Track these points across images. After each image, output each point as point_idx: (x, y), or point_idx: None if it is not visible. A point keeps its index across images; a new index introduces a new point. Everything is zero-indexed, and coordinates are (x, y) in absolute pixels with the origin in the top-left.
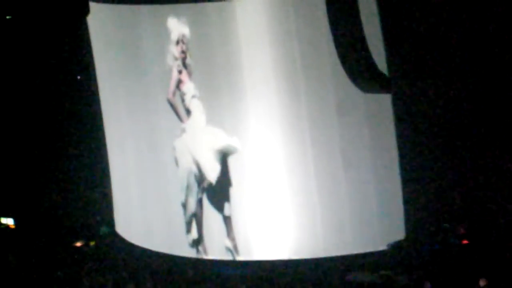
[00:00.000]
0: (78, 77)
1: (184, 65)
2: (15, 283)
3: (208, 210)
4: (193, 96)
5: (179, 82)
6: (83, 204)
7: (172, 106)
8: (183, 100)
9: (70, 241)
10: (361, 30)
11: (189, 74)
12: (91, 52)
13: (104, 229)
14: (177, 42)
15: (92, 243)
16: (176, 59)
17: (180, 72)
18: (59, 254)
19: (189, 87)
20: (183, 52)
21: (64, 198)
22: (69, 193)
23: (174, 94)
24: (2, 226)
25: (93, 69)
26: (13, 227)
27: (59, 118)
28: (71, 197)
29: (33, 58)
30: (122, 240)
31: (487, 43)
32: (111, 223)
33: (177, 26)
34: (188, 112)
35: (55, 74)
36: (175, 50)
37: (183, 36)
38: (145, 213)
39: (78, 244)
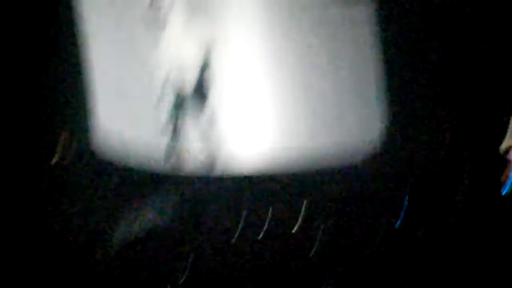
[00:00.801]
0: None
1: None
2: None
3: (194, 104)
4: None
5: None
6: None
7: (151, 8)
8: (161, 3)
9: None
10: None
11: None
12: None
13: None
14: None
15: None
16: None
17: None
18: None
19: None
20: None
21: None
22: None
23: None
24: None
25: None
26: None
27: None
28: (46, 112)
29: None
30: (99, 156)
31: None
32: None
33: None
34: (167, 14)
35: None
36: None
37: None
38: (123, 126)
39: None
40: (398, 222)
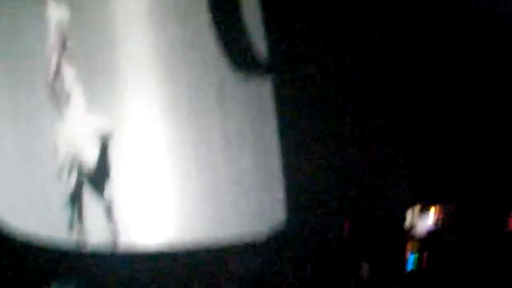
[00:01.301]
0: None
1: (64, 48)
2: None
3: (89, 195)
4: (73, 81)
5: (59, 67)
6: None
7: (52, 90)
8: (63, 86)
9: None
10: (240, 13)
11: (69, 58)
12: None
13: None
14: (57, 24)
15: None
16: (55, 42)
17: (59, 55)
18: None
19: (69, 72)
20: (62, 35)
21: None
22: None
23: (54, 78)
24: None
25: None
26: None
27: None
28: None
29: None
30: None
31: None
32: None
33: (56, 10)
34: (68, 97)
35: None
36: (54, 34)
37: (62, 20)
38: (23, 200)
39: None
40: None
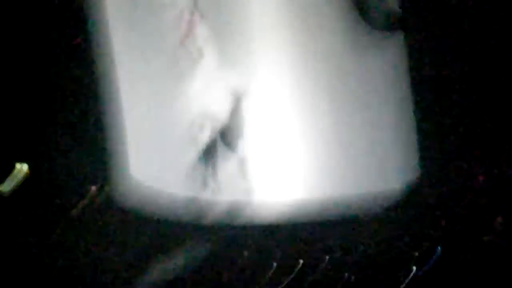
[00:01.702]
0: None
1: (196, 6)
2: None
3: (223, 152)
4: (205, 38)
5: (191, 25)
6: (96, 150)
7: (184, 49)
8: (195, 43)
9: (84, 185)
10: None
11: (201, 16)
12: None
13: (117, 176)
14: None
15: (107, 188)
16: (187, 1)
17: (191, 14)
18: (73, 197)
19: (201, 29)
20: None
21: (76, 143)
22: (82, 141)
23: (186, 37)
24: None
25: (103, 16)
26: (28, 172)
27: (66, 61)
28: (84, 144)
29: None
30: (136, 187)
31: None
32: (124, 170)
33: None
34: (200, 54)
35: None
36: None
37: None
38: (158, 158)
39: (93, 188)
40: (426, 267)
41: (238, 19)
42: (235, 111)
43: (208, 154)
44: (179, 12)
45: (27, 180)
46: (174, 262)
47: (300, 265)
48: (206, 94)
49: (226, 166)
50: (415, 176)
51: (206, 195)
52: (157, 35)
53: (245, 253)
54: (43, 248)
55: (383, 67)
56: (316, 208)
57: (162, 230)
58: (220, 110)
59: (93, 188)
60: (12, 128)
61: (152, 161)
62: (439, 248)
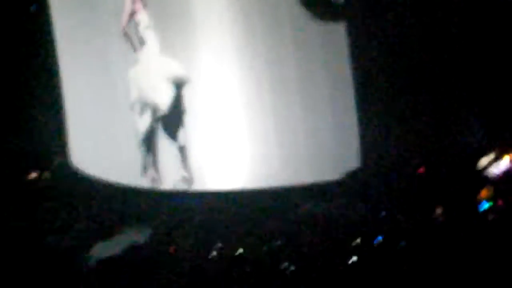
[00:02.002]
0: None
1: None
2: None
3: (163, 140)
4: (147, 26)
5: (133, 12)
6: (36, 134)
7: (126, 36)
8: (137, 30)
9: (23, 172)
10: None
11: (144, 3)
12: None
13: (57, 161)
14: None
15: (46, 174)
16: None
17: (133, 1)
18: (12, 186)
19: (143, 17)
20: None
21: (17, 127)
22: (21, 124)
23: (127, 23)
24: None
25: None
26: None
27: (13, 47)
28: (23, 126)
29: None
30: (76, 172)
31: None
32: (64, 154)
33: None
34: (141, 42)
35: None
36: None
37: None
38: (99, 143)
39: (33, 175)
40: (378, 239)
41: (180, 8)
42: (175, 99)
43: (148, 142)
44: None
45: None
46: (115, 244)
47: (239, 253)
48: (146, 81)
49: (166, 154)
50: (355, 165)
51: (145, 183)
52: (99, 21)
53: (185, 240)
54: None
55: (324, 57)
56: (256, 197)
57: (102, 216)
58: (160, 97)
59: (34, 174)
60: None
61: (92, 148)
62: (379, 237)
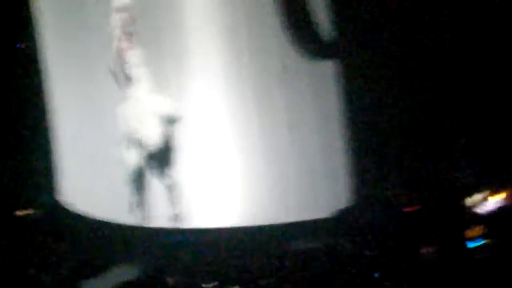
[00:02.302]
0: (18, 46)
1: (126, 32)
2: None
3: (151, 177)
4: (135, 64)
5: (121, 50)
6: (24, 171)
7: (114, 74)
8: (124, 68)
9: (11, 209)
10: None
11: (131, 41)
12: (33, 18)
13: (45, 198)
14: (118, 10)
15: (34, 212)
16: (117, 26)
17: (121, 39)
18: (0, 222)
19: (131, 55)
20: (124, 19)
21: (4, 165)
22: (9, 160)
23: (115, 61)
24: None
25: (36, 36)
26: None
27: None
28: (11, 164)
29: None
30: (65, 209)
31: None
32: (53, 190)
33: None
34: (129, 79)
35: None
36: (117, 18)
37: (125, 3)
38: (87, 181)
39: (20, 213)
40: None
41: (171, 45)
42: (165, 136)
43: (137, 179)
44: (108, 37)
45: None
46: (105, 281)
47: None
48: (135, 118)
49: (155, 192)
50: (345, 203)
51: (134, 220)
52: (88, 58)
53: (172, 278)
54: None
55: (314, 93)
56: (246, 234)
57: (89, 253)
58: (149, 135)
59: (23, 211)
60: None
61: (81, 185)
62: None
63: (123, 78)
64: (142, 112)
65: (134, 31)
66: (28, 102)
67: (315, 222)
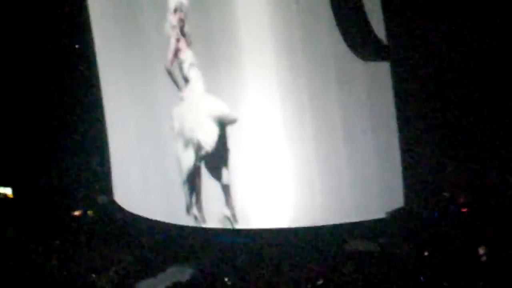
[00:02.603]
0: (76, 46)
1: (182, 33)
2: (13, 252)
3: (206, 178)
4: (192, 64)
5: (177, 51)
6: (81, 173)
7: (170, 74)
8: (181, 69)
9: (68, 210)
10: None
11: (188, 42)
12: (89, 21)
13: (102, 198)
14: (175, 10)
15: (90, 212)
16: (174, 27)
17: (178, 40)
18: (57, 223)
19: (187, 55)
20: (181, 20)
21: (62, 167)
22: (68, 162)
23: (172, 62)
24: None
25: (91, 39)
26: (11, 196)
27: (57, 88)
28: (69, 166)
29: (31, 28)
30: (120, 209)
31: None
32: (109, 192)
33: None
34: (186, 80)
35: (53, 44)
36: (173, 18)
37: (181, 3)
38: (143, 182)
39: (76, 213)
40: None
41: (226, 47)
42: (220, 138)
43: (192, 181)
44: (166, 38)
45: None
46: (158, 282)
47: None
48: (190, 120)
49: (210, 193)
50: (399, 205)
51: (189, 221)
52: (144, 59)
53: (228, 279)
54: None
55: (369, 97)
56: (300, 235)
57: (145, 255)
58: (204, 136)
59: (78, 212)
60: None
61: (136, 187)
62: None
63: (180, 78)
64: (198, 113)
65: (190, 32)
66: (86, 106)
67: (369, 223)
